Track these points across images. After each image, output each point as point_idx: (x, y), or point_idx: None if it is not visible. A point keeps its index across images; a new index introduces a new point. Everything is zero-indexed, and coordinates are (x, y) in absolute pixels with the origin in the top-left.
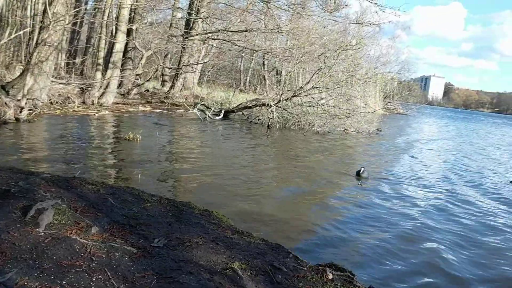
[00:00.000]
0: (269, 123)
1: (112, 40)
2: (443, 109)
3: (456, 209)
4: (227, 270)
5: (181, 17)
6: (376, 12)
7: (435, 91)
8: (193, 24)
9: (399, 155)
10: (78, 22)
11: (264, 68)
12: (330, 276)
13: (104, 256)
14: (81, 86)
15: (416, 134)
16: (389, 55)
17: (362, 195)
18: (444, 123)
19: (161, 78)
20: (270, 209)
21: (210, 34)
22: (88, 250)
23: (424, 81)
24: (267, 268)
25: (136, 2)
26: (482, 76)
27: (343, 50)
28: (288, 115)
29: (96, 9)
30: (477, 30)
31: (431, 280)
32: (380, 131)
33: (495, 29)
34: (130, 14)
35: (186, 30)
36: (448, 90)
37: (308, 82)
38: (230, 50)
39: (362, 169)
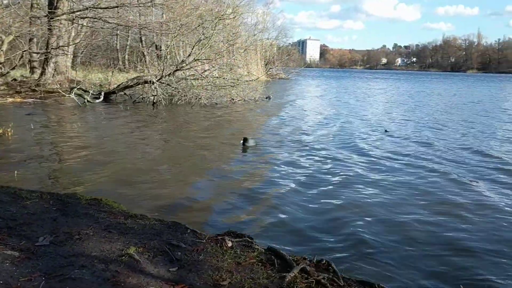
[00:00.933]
0: (154, 101)
1: None
2: (321, 70)
3: (328, 165)
4: (123, 257)
5: None
6: None
7: (312, 53)
8: (57, 3)
9: (284, 120)
10: None
11: (142, 44)
12: (230, 244)
13: None
14: None
15: (296, 96)
16: (265, 22)
17: (250, 164)
18: (323, 84)
19: (29, 65)
20: (163, 189)
21: (78, 13)
22: None
23: (301, 45)
24: (165, 248)
25: None
26: (351, 35)
27: (220, 19)
28: (173, 90)
29: None
30: None
31: (321, 236)
32: (270, 98)
33: None
34: None
35: (50, 10)
36: (323, 51)
37: (189, 55)
38: (102, 28)
39: (247, 138)
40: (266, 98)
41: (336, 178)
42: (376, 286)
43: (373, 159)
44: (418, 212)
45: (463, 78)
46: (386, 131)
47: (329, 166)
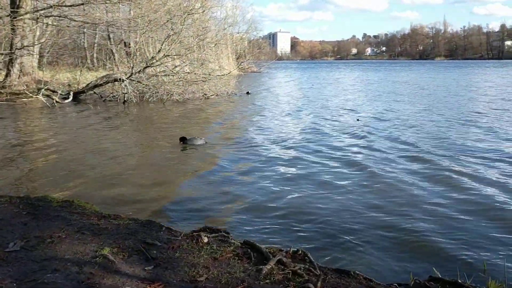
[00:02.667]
0: (125, 99)
1: None
2: (292, 62)
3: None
4: (97, 258)
5: None
6: None
7: (283, 46)
8: (20, 2)
9: (251, 114)
10: None
11: (110, 42)
12: (206, 240)
13: None
14: None
15: (267, 89)
16: (235, 16)
17: (215, 161)
18: (294, 76)
19: None
20: (135, 189)
21: (42, 12)
22: None
23: (272, 38)
24: (140, 247)
25: None
26: (321, 26)
27: (189, 14)
28: (143, 87)
29: None
30: None
31: (300, 226)
32: (249, 93)
33: None
34: None
35: (12, 10)
36: (294, 43)
37: (159, 51)
38: (68, 26)
39: (185, 137)
40: (247, 93)
41: (305, 170)
42: (352, 273)
43: (346, 149)
44: (387, 201)
45: (431, 65)
46: (357, 120)
47: (295, 156)
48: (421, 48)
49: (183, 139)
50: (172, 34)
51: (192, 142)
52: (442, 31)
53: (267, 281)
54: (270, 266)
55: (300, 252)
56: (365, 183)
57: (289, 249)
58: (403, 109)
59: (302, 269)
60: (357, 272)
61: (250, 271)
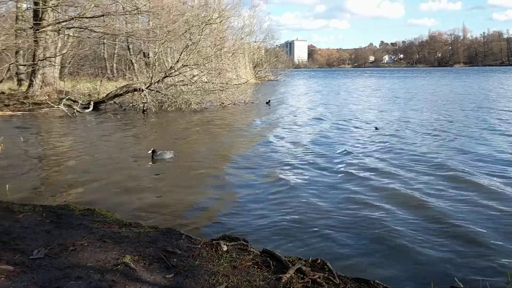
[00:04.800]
0: (144, 108)
1: None
2: (309, 70)
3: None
4: (119, 266)
5: (27, 8)
6: None
7: (300, 54)
8: (42, 14)
9: (265, 126)
10: None
11: (129, 52)
12: (225, 248)
13: None
14: None
15: (286, 98)
16: (252, 25)
17: (248, 171)
18: (312, 84)
19: (16, 77)
20: (155, 197)
21: (64, 23)
22: None
23: (289, 46)
24: (161, 255)
25: None
26: (338, 35)
27: (207, 24)
28: (162, 97)
29: None
30: None
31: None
32: (269, 102)
33: None
34: None
35: (35, 22)
36: (311, 52)
37: (178, 61)
38: (89, 37)
39: (156, 150)
40: (267, 103)
41: (321, 179)
42: (372, 282)
43: (364, 157)
44: (406, 211)
45: (451, 72)
46: (376, 128)
47: (315, 165)
48: (439, 55)
49: (153, 151)
50: (191, 44)
51: (160, 157)
52: (461, 38)
53: None
54: (290, 274)
55: (319, 260)
56: (382, 192)
57: (308, 258)
58: (422, 117)
59: (322, 278)
60: (377, 282)
61: (269, 280)
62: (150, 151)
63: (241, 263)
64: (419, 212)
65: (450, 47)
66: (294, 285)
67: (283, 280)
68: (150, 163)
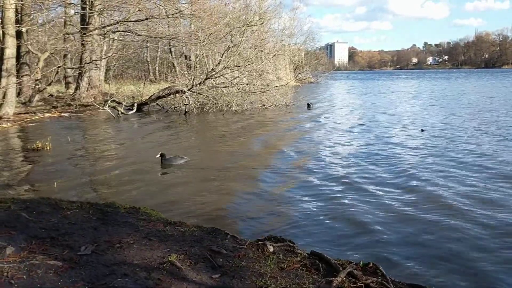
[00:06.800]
0: (186, 110)
1: (1, 46)
2: (350, 72)
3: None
4: (165, 264)
5: (75, 13)
6: None
7: (341, 56)
8: (89, 19)
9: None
10: None
11: (171, 55)
12: (271, 249)
13: (25, 276)
14: None
15: (327, 101)
16: (292, 27)
17: (281, 171)
18: (353, 87)
19: (64, 80)
20: (198, 195)
21: (109, 27)
22: (5, 273)
23: (329, 48)
24: (206, 254)
25: (21, 1)
26: (379, 36)
27: (248, 26)
28: (204, 99)
29: None
30: None
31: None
32: (311, 106)
33: None
34: (16, 15)
35: (82, 26)
36: (352, 54)
37: (219, 63)
38: (133, 41)
39: (164, 153)
40: (307, 106)
41: (367, 181)
42: None
43: (411, 158)
44: (459, 217)
45: (499, 74)
46: (422, 130)
47: (358, 168)
48: (486, 56)
49: (162, 155)
50: (232, 46)
51: (170, 162)
52: (510, 38)
53: None
54: (341, 278)
55: (371, 265)
56: (434, 198)
57: (359, 261)
58: (468, 120)
59: (375, 283)
60: None
61: (319, 283)
62: (159, 155)
63: (288, 265)
64: (476, 219)
65: (498, 48)
66: None
67: (334, 284)
68: (160, 168)
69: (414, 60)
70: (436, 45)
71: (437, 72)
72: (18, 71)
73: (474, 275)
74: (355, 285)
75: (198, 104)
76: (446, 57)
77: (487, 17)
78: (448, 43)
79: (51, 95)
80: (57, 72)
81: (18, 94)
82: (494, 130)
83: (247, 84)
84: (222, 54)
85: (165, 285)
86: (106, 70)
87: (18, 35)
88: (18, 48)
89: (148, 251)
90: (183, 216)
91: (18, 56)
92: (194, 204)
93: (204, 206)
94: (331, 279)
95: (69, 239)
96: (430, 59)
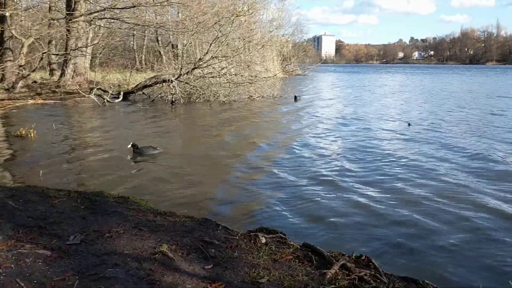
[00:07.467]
0: (173, 99)
1: None
2: (337, 65)
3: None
4: (156, 255)
5: None
6: None
7: (328, 49)
8: (75, 5)
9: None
10: None
11: (158, 44)
12: (263, 240)
13: (13, 265)
14: None
15: (315, 92)
16: (281, 19)
17: (253, 164)
18: (340, 80)
19: (48, 67)
20: (187, 185)
21: (95, 14)
22: None
23: (317, 41)
24: (198, 245)
25: None
26: (366, 30)
27: (237, 16)
28: (191, 88)
29: None
30: None
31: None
32: (297, 99)
33: None
34: None
35: (68, 12)
36: (339, 47)
37: (207, 53)
38: (120, 29)
39: (135, 143)
40: (294, 99)
41: (354, 172)
42: (421, 282)
43: (398, 151)
44: (455, 209)
45: (486, 70)
46: (409, 124)
47: (346, 159)
48: (471, 52)
49: (134, 145)
50: (220, 36)
51: (142, 152)
52: (495, 35)
53: (332, 286)
54: (334, 270)
55: (364, 257)
56: (426, 189)
57: (351, 254)
58: (455, 114)
59: (368, 275)
60: (427, 282)
61: (313, 275)
62: (130, 146)
63: (281, 256)
64: (469, 208)
65: (483, 44)
66: (339, 282)
67: (328, 276)
68: (129, 157)
69: (400, 54)
70: (422, 40)
71: (423, 67)
72: (1, 56)
73: (468, 269)
74: (348, 277)
75: (185, 94)
76: (431, 52)
77: (472, 13)
78: (434, 38)
79: (35, 82)
80: (41, 59)
81: (1, 80)
82: (479, 125)
83: (235, 74)
84: (210, 44)
85: (157, 275)
86: (92, 57)
87: (2, 19)
88: (2, 33)
89: (138, 241)
90: (171, 207)
91: (2, 41)
92: (182, 195)
93: (191, 198)
94: (325, 271)
95: (57, 228)
96: (416, 54)
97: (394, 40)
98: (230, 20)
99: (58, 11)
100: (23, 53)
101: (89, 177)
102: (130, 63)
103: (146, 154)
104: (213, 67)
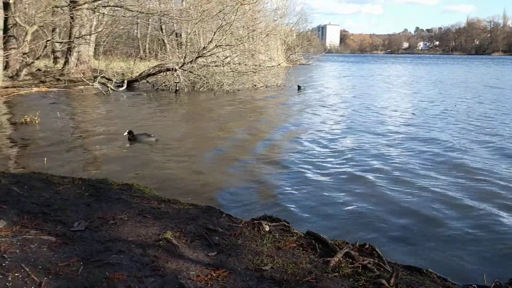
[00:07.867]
0: (177, 88)
1: None
2: (341, 55)
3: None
4: (161, 241)
5: None
6: None
7: (332, 39)
8: None
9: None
10: None
11: (162, 32)
12: (267, 228)
13: (18, 251)
14: None
15: (319, 82)
16: (285, 8)
17: (267, 153)
18: (344, 69)
19: (52, 55)
20: (191, 173)
21: (99, 2)
22: None
23: (321, 31)
24: (202, 232)
25: None
26: (371, 20)
27: (242, 4)
28: (195, 77)
29: None
30: None
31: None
32: (301, 88)
33: None
34: None
35: (72, 0)
36: (343, 36)
37: (211, 41)
38: (123, 17)
39: (132, 131)
40: (298, 88)
41: (354, 166)
42: (424, 271)
43: (406, 143)
44: (461, 199)
45: (490, 60)
46: (413, 113)
47: (351, 150)
48: (477, 42)
49: (130, 133)
50: (225, 24)
51: (136, 139)
52: (501, 25)
53: (336, 274)
54: (338, 258)
55: (368, 246)
56: (432, 179)
57: (355, 242)
58: (458, 103)
59: (372, 264)
60: (430, 270)
61: (316, 263)
62: (126, 133)
63: (285, 244)
64: (474, 198)
65: (489, 35)
66: (343, 270)
67: (332, 264)
68: (128, 144)
69: (405, 44)
70: (427, 30)
71: (428, 57)
72: (5, 44)
73: (471, 260)
74: (352, 265)
75: (189, 82)
76: (437, 43)
77: (478, 3)
78: (440, 28)
79: (39, 70)
80: (45, 46)
81: (5, 67)
82: (483, 117)
83: (238, 63)
84: (214, 33)
85: (161, 262)
86: (96, 45)
87: (6, 6)
88: (6, 20)
89: (143, 228)
90: (175, 195)
91: (6, 29)
92: (183, 181)
93: (195, 185)
94: (328, 259)
95: (62, 214)
96: (421, 44)
97: (399, 30)
98: (234, 9)
99: None
100: (27, 40)
101: (93, 164)
102: (134, 51)
103: (141, 141)
104: (217, 56)
